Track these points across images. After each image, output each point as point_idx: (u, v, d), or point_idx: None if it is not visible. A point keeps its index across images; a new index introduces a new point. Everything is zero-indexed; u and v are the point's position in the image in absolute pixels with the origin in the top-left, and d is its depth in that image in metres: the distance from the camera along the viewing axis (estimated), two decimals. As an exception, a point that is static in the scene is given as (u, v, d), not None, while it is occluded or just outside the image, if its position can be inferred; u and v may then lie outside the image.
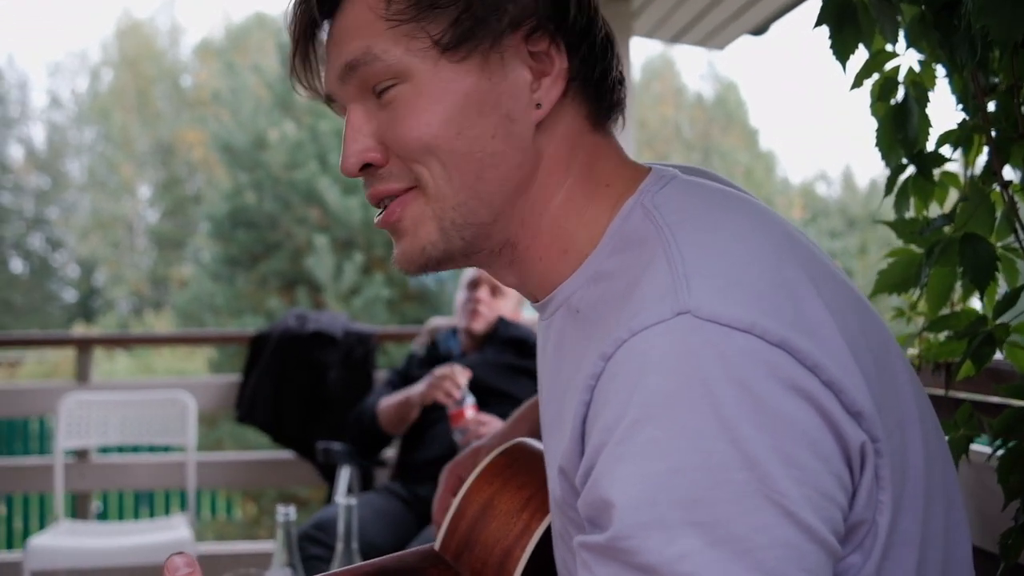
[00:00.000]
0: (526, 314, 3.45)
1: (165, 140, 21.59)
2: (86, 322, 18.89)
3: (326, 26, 0.90)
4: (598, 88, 0.89)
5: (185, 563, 0.79)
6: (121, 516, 4.64)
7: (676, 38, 3.82)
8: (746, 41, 3.80)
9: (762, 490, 0.68)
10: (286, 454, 3.92)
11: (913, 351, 1.54)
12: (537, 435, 1.23)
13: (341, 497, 1.99)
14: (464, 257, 0.90)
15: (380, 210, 0.89)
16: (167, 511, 4.61)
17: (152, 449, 4.36)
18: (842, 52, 1.43)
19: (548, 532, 1.02)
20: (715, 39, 3.81)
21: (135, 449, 4.28)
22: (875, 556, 0.76)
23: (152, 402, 3.70)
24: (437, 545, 1.07)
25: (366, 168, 0.88)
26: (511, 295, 3.27)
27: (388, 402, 3.06)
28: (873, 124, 1.46)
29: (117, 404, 3.69)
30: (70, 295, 20.98)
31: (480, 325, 3.16)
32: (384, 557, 1.05)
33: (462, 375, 2.85)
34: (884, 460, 0.75)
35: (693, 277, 0.74)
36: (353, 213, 7.55)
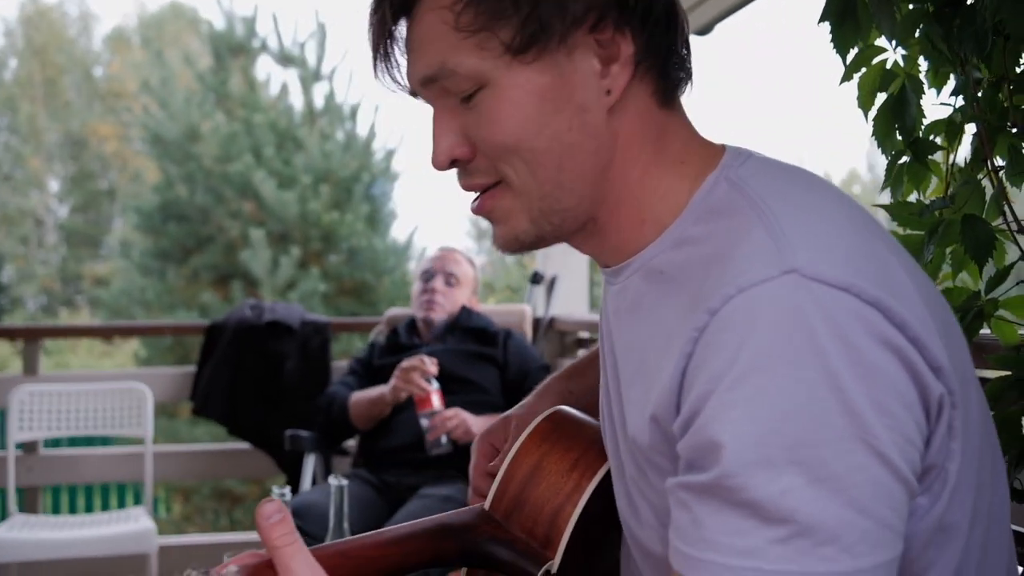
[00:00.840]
0: (482, 304, 3.51)
1: (76, 133, 21.00)
2: (-8, 320, 18.29)
3: (402, 25, 0.95)
4: (664, 65, 0.94)
5: (276, 508, 0.84)
6: (67, 510, 4.55)
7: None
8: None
9: (859, 434, 0.75)
10: (242, 445, 3.90)
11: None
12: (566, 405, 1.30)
13: (330, 479, 2.03)
14: (555, 238, 0.97)
15: (474, 197, 0.96)
16: (106, 505, 4.54)
17: (90, 442, 4.29)
18: (842, 47, 1.52)
19: (597, 489, 1.09)
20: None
21: (84, 441, 4.20)
22: (943, 499, 0.83)
23: (108, 393, 3.66)
24: (487, 505, 1.12)
25: (455, 163, 0.95)
26: (466, 284, 3.31)
27: (360, 398, 3.08)
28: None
29: (72, 395, 3.63)
30: (-28, 292, 20.24)
31: (438, 315, 3.21)
32: (439, 515, 1.11)
33: (431, 365, 2.89)
34: (957, 412, 0.82)
35: (794, 240, 0.80)
36: (289, 207, 7.48)
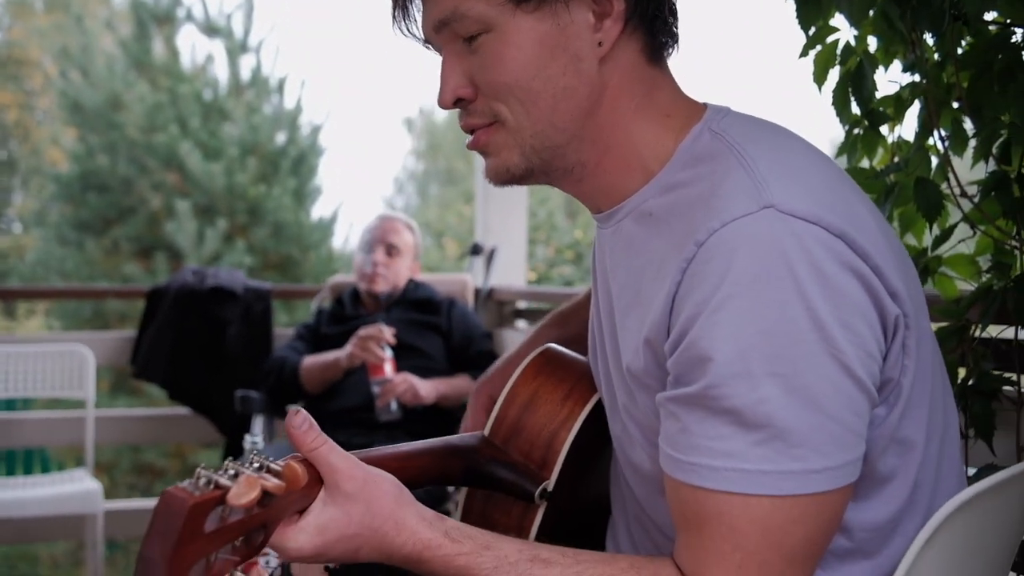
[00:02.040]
0: (423, 273, 3.59)
1: (-27, 101, 20.21)
2: None
3: None
4: (652, 24, 1.04)
5: (303, 418, 0.94)
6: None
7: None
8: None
9: (828, 349, 0.87)
10: (183, 410, 3.91)
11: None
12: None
13: (250, 441, 2.09)
14: (543, 174, 1.07)
15: (470, 135, 1.07)
16: (48, 469, 4.49)
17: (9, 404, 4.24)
18: (805, 23, 1.65)
19: (587, 417, 1.20)
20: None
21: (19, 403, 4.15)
22: (897, 410, 0.95)
23: (49, 355, 3.63)
24: (486, 432, 1.23)
25: (459, 102, 1.05)
26: (407, 253, 3.37)
27: (313, 362, 3.12)
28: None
29: (11, 357, 3.60)
30: None
31: (381, 287, 3.27)
32: (445, 437, 1.20)
33: (388, 335, 2.97)
34: (911, 332, 0.94)
35: (770, 180, 0.91)
36: (215, 179, 7.40)
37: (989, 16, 1.50)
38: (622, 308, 1.07)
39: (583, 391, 1.22)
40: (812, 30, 1.68)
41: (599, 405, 1.21)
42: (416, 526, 0.95)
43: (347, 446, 2.88)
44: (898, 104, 1.68)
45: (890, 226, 1.06)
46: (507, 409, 1.23)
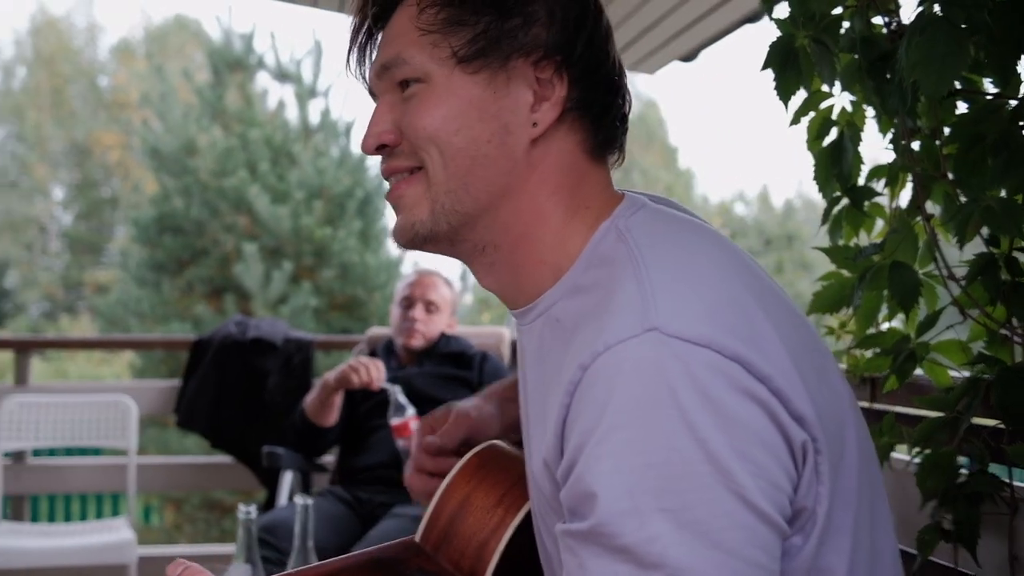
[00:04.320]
0: (460, 326, 3.56)
1: (80, 141, 21.12)
2: (-6, 325, 18.35)
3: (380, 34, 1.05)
4: (596, 121, 1.01)
5: (183, 569, 0.92)
6: (52, 519, 4.61)
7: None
8: (671, 65, 4.01)
9: (723, 481, 0.79)
10: (225, 458, 3.95)
11: (842, 366, 1.69)
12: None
13: (296, 498, 2.07)
14: (449, 244, 1.03)
15: (391, 186, 1.04)
16: (99, 514, 4.59)
17: (82, 452, 4.35)
18: (784, 92, 1.57)
19: (521, 524, 1.14)
20: (646, 63, 4.00)
21: (68, 451, 4.26)
22: (813, 539, 0.87)
23: (95, 405, 3.72)
24: (418, 537, 1.18)
25: (382, 148, 1.02)
26: (445, 309, 3.36)
27: (309, 396, 3.14)
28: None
29: (60, 406, 3.69)
30: (-23, 298, 20.32)
31: (418, 342, 3.26)
32: (370, 548, 1.15)
33: (380, 375, 2.97)
34: (823, 458, 0.87)
35: (660, 296, 0.85)
36: (282, 222, 7.53)
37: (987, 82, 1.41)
38: (532, 416, 1.03)
39: (516, 496, 1.16)
40: (802, 95, 1.60)
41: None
42: None
43: (369, 504, 2.88)
44: (892, 173, 1.58)
45: (806, 331, 0.97)
46: (439, 514, 1.18)
